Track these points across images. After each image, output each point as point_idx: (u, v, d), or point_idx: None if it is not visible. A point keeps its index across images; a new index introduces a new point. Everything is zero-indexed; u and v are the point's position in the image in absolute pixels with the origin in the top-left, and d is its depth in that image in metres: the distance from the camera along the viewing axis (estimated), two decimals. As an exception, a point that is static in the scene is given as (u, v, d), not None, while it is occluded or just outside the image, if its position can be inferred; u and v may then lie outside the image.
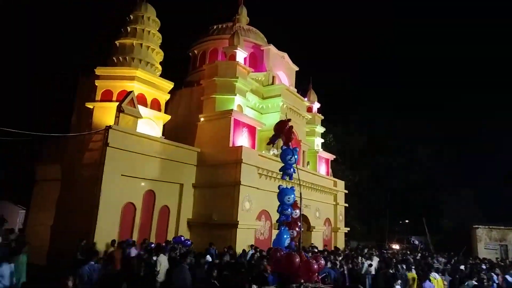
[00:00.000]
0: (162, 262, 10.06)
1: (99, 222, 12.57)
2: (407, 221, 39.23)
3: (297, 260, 6.74)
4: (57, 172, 16.14)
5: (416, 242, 37.31)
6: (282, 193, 7.74)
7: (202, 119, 18.10)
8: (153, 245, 12.19)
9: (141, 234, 14.26)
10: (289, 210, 7.66)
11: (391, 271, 11.59)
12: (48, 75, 28.89)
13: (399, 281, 10.20)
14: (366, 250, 20.52)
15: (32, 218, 17.47)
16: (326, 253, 14.79)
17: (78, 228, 12.71)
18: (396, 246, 30.06)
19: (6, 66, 27.74)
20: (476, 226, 29.90)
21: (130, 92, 15.30)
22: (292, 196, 7.61)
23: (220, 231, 15.31)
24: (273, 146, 7.98)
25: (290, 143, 8.14)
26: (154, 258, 10.26)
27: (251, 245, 14.67)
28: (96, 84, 16.31)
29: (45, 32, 31.85)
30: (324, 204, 23.44)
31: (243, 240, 15.09)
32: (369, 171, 37.62)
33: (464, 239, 29.98)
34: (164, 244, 12.58)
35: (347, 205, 26.27)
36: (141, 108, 15.83)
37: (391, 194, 35.64)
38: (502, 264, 16.92)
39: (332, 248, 20.75)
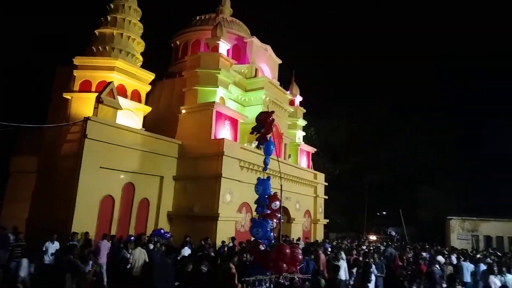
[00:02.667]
0: (136, 255, 9.97)
1: (76, 215, 12.39)
2: (384, 213, 40.17)
3: (287, 251, 6.91)
4: (33, 163, 15.80)
5: (393, 233, 38.36)
6: (259, 184, 7.97)
7: (183, 111, 17.95)
8: (132, 238, 12.12)
9: (119, 227, 14.14)
10: (264, 201, 7.86)
11: (366, 260, 11.93)
12: (24, 64, 28.01)
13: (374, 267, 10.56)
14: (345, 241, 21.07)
15: (6, 210, 17.05)
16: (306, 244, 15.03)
17: (55, 221, 12.50)
18: (373, 237, 30.82)
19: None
20: (450, 217, 30.95)
21: (110, 82, 15.04)
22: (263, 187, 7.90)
23: (200, 223, 15.32)
24: (256, 134, 8.09)
25: (270, 135, 8.27)
26: (129, 251, 10.19)
27: (232, 238, 14.76)
28: (74, 74, 15.96)
29: (22, 19, 30.73)
30: (305, 196, 23.73)
31: (224, 232, 15.17)
32: (350, 164, 38.25)
33: (439, 229, 31.04)
34: (141, 237, 12.51)
35: (327, 197, 26.67)
36: (121, 99, 15.60)
37: (370, 187, 36.38)
38: (471, 254, 17.65)
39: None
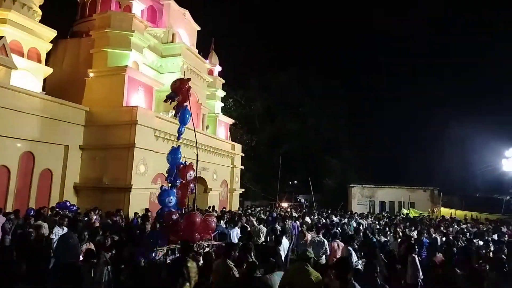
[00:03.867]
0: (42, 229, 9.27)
1: (-38, 188, 10.89)
2: (295, 181, 42.80)
3: (198, 219, 6.98)
4: None
5: (303, 200, 41.24)
6: (170, 154, 7.98)
7: (91, 74, 16.50)
8: (32, 212, 11.13)
9: (17, 201, 12.80)
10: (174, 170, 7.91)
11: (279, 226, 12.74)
12: None
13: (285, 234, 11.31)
14: (258, 209, 22.06)
15: None
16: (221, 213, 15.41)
17: None
18: (285, 204, 32.74)
19: None
20: (352, 185, 34.25)
21: (1, 37, 13.08)
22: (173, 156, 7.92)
23: (111, 195, 14.62)
24: (170, 104, 7.91)
25: (186, 104, 8.12)
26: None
27: (146, 209, 14.42)
28: (-47, 24, 13.53)
29: None
30: (222, 166, 24.02)
31: (137, 204, 14.69)
32: (266, 135, 39.56)
33: (343, 196, 34.20)
34: (43, 210, 11.57)
35: (243, 167, 27.37)
36: (15, 58, 13.77)
37: (283, 157, 38.25)
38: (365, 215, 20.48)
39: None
